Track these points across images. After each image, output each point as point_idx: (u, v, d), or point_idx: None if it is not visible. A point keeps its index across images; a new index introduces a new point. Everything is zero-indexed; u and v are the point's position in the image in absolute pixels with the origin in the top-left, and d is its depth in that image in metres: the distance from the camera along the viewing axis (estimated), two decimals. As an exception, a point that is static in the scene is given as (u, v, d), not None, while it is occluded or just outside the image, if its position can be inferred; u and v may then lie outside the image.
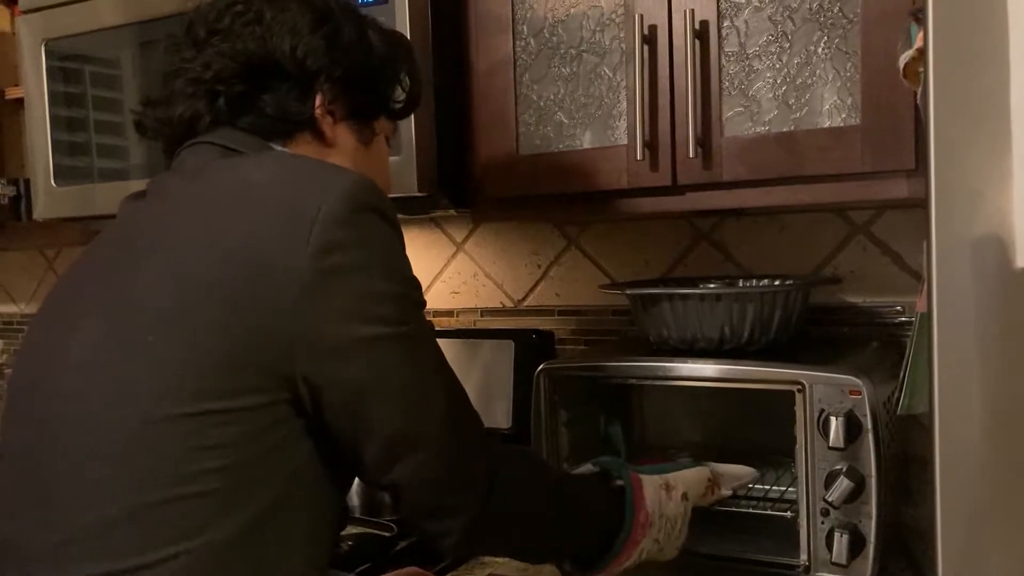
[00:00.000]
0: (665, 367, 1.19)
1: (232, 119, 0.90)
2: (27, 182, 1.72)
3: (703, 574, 1.17)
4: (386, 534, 1.31)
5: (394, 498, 0.86)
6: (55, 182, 1.56)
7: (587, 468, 1.08)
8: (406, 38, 1.05)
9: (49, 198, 1.57)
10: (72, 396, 0.79)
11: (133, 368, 0.77)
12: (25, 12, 1.56)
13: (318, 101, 0.92)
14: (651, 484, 1.03)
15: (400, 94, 1.02)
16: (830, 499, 1.06)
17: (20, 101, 1.67)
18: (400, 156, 1.24)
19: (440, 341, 1.62)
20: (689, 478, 1.07)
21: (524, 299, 1.67)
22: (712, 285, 1.28)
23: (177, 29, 1.40)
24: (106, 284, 0.84)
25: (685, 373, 1.18)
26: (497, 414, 1.59)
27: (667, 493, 1.04)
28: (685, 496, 1.05)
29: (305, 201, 0.78)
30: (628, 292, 1.29)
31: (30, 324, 0.91)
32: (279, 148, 0.91)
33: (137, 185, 1.47)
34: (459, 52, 1.31)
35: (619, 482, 1.02)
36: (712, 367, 1.16)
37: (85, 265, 0.91)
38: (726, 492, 1.12)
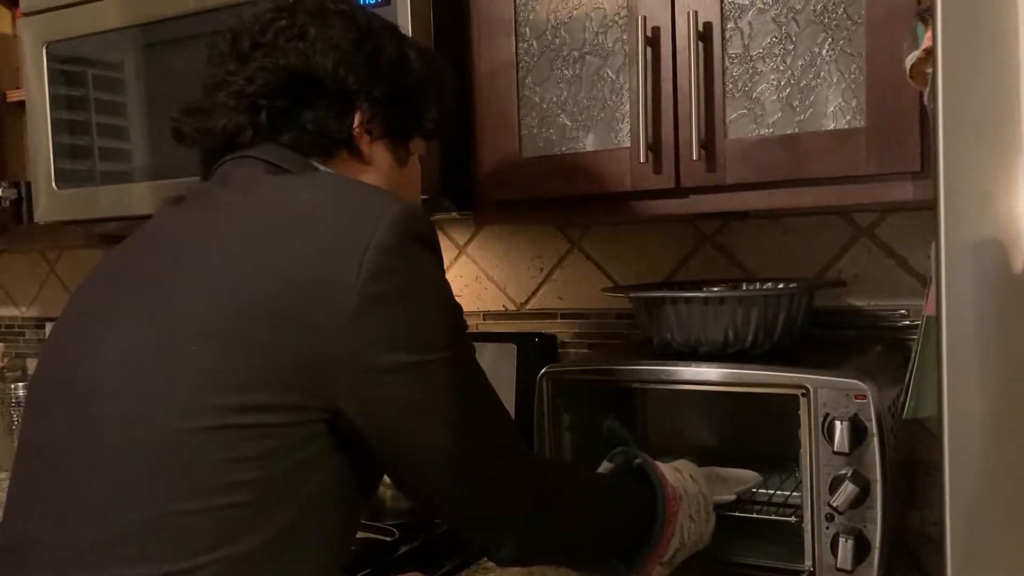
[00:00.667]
0: (668, 371, 1.18)
1: (274, 134, 0.91)
2: (28, 185, 1.72)
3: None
4: (387, 539, 1.30)
5: (442, 513, 0.89)
6: (56, 185, 1.55)
7: (605, 466, 1.12)
8: (440, 58, 1.05)
9: (50, 201, 1.56)
10: (108, 396, 0.79)
11: (173, 375, 0.77)
12: (27, 14, 1.56)
13: (357, 120, 0.93)
14: (664, 467, 1.08)
15: (434, 114, 1.02)
16: (835, 504, 1.05)
17: (22, 104, 1.67)
18: (402, 159, 1.24)
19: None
20: (690, 464, 1.12)
21: (527, 302, 1.67)
22: (716, 288, 1.27)
23: (186, 31, 1.41)
24: (146, 286, 0.84)
25: (689, 377, 1.17)
26: (499, 418, 1.58)
27: (680, 474, 1.08)
28: (693, 478, 1.09)
29: (358, 226, 0.79)
30: (631, 295, 1.29)
31: (58, 320, 0.91)
32: (319, 166, 0.92)
33: (139, 189, 1.47)
34: (461, 54, 1.30)
35: (637, 461, 1.08)
36: (716, 371, 1.15)
37: (119, 264, 0.90)
38: (728, 496, 1.13)
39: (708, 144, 1.16)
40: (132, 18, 1.46)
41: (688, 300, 1.20)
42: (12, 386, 1.98)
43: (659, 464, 1.08)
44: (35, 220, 1.60)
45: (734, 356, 1.19)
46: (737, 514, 1.21)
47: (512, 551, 0.90)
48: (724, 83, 1.15)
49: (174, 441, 0.75)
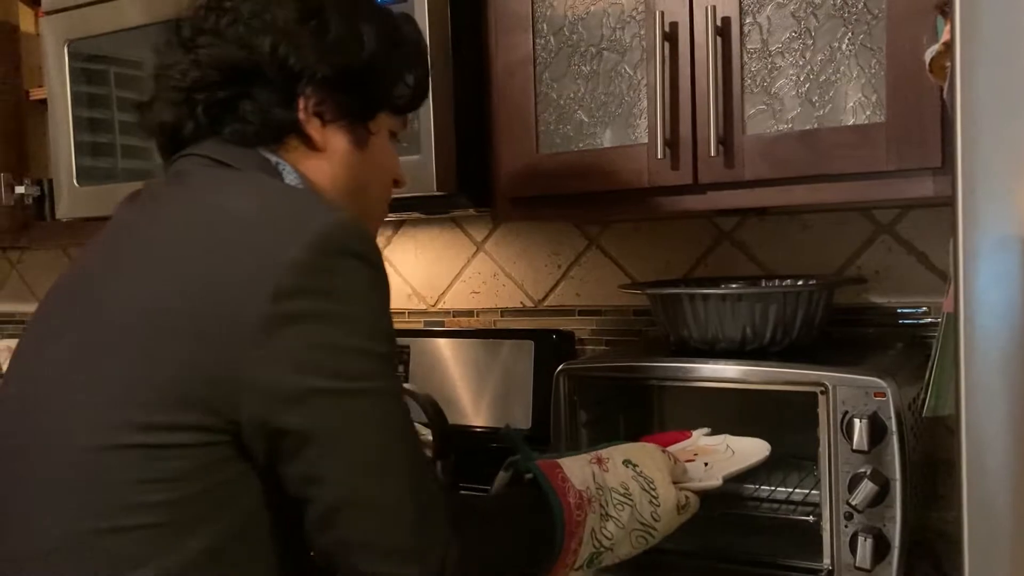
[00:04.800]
0: (686, 368, 1.18)
1: (214, 128, 0.86)
2: (51, 182, 1.74)
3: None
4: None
5: (338, 563, 0.79)
6: (77, 182, 1.57)
7: (502, 476, 1.00)
8: (412, 25, 0.97)
9: (72, 198, 1.58)
10: (32, 412, 0.78)
11: (87, 390, 0.75)
12: (48, 13, 1.57)
13: (302, 105, 0.87)
14: (575, 462, 0.96)
15: (403, 89, 0.94)
16: (854, 502, 1.04)
17: (44, 102, 1.69)
18: (420, 155, 1.24)
19: (459, 342, 1.64)
20: (628, 447, 1.01)
21: (544, 299, 1.67)
22: (734, 285, 1.27)
23: None
24: (84, 295, 0.82)
25: (706, 374, 1.17)
26: (517, 414, 1.58)
27: (601, 465, 0.97)
28: (630, 463, 0.98)
29: (278, 242, 0.74)
30: (649, 292, 1.28)
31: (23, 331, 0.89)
32: (270, 156, 0.87)
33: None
34: (479, 51, 1.30)
35: (528, 476, 0.95)
36: (733, 368, 1.15)
37: (74, 271, 0.88)
38: (712, 482, 1.02)
39: (726, 140, 1.15)
40: (152, 16, 1.46)
41: (706, 297, 1.19)
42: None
43: (566, 461, 0.96)
44: (57, 217, 1.62)
45: (752, 354, 1.19)
46: (755, 513, 1.20)
47: None
48: (742, 78, 1.15)
49: (85, 460, 0.73)
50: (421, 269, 1.77)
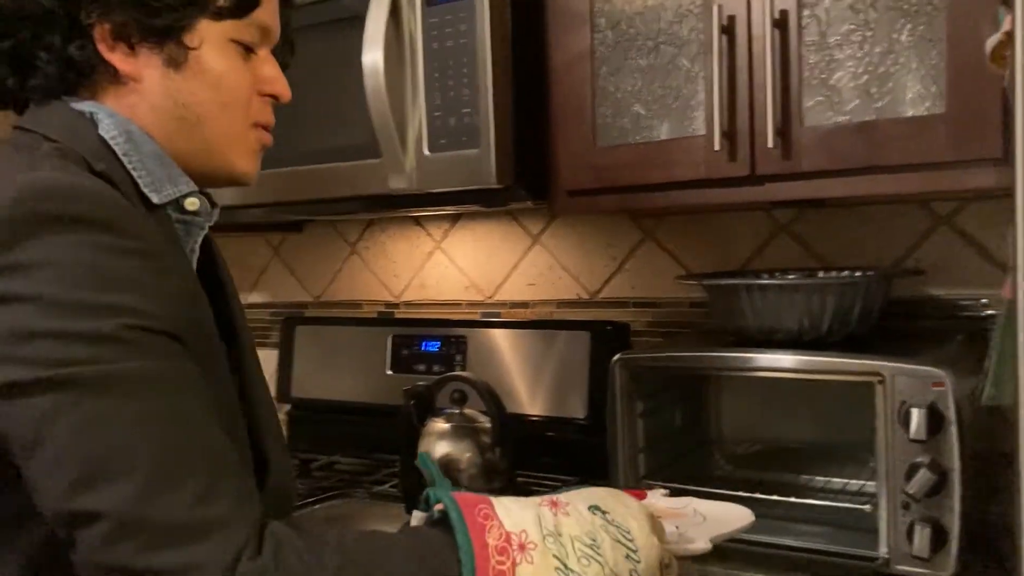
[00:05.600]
0: (743, 358, 1.19)
1: (21, 86, 0.78)
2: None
3: (782, 566, 1.16)
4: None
5: None
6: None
7: (416, 515, 0.79)
8: None
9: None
10: None
11: None
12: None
13: (97, 35, 0.76)
14: (515, 502, 0.77)
15: None
16: (911, 492, 1.05)
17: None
18: (478, 149, 1.27)
19: (515, 332, 1.66)
20: (594, 491, 0.81)
21: (600, 291, 1.68)
22: (791, 276, 1.27)
23: (306, 20, 1.44)
24: None
25: (763, 364, 1.18)
26: (573, 405, 1.61)
27: (555, 508, 0.77)
28: (597, 509, 0.78)
29: None
30: (705, 283, 1.29)
31: None
32: (82, 106, 0.77)
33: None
34: (538, 47, 1.33)
35: (438, 507, 0.75)
36: (791, 358, 1.15)
37: None
38: (701, 546, 0.82)
39: (784, 131, 1.16)
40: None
41: (763, 288, 1.20)
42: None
43: (503, 499, 0.76)
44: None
45: (809, 344, 1.19)
46: (811, 502, 1.21)
47: None
48: (800, 71, 1.15)
49: None
50: (478, 261, 1.81)
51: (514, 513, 0.74)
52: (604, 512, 0.77)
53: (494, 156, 1.27)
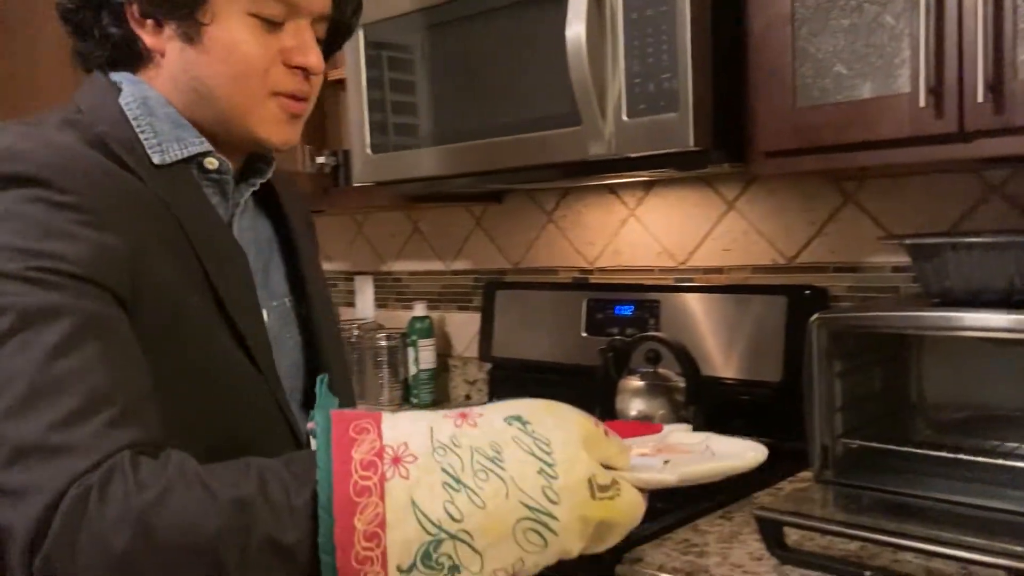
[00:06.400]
0: (949, 317, 1.16)
1: (86, 59, 0.87)
2: (346, 153, 1.98)
3: (987, 525, 1.14)
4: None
5: None
6: (371, 151, 1.77)
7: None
8: None
9: (364, 166, 1.79)
10: None
11: None
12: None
13: (128, 13, 0.83)
14: (410, 415, 0.69)
15: None
16: None
17: (339, 82, 1.92)
18: (676, 113, 1.31)
19: (709, 297, 1.69)
20: (525, 401, 0.69)
21: (797, 256, 1.68)
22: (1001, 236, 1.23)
23: (462, 12, 1.56)
24: None
25: (970, 324, 1.15)
26: (768, 368, 1.62)
27: (462, 419, 0.68)
28: (517, 419, 0.67)
29: None
30: (908, 243, 1.28)
31: None
32: (114, 76, 0.86)
33: (428, 154, 1.65)
34: (736, 11, 1.35)
35: (309, 425, 0.68)
36: (1001, 317, 1.12)
37: None
38: (666, 477, 0.69)
39: (996, 86, 1.12)
40: (421, 2, 1.63)
41: (969, 247, 1.17)
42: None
43: (399, 414, 0.68)
44: (352, 183, 1.84)
45: (1018, 304, 1.16)
46: (1014, 464, 1.17)
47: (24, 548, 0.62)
48: (1015, 22, 1.12)
49: None
50: (672, 227, 1.84)
51: (401, 426, 0.66)
52: (525, 423, 0.67)
53: (692, 119, 1.31)
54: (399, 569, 0.62)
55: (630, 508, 0.68)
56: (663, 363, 1.56)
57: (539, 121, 1.49)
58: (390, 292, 2.44)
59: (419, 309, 2.22)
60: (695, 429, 0.81)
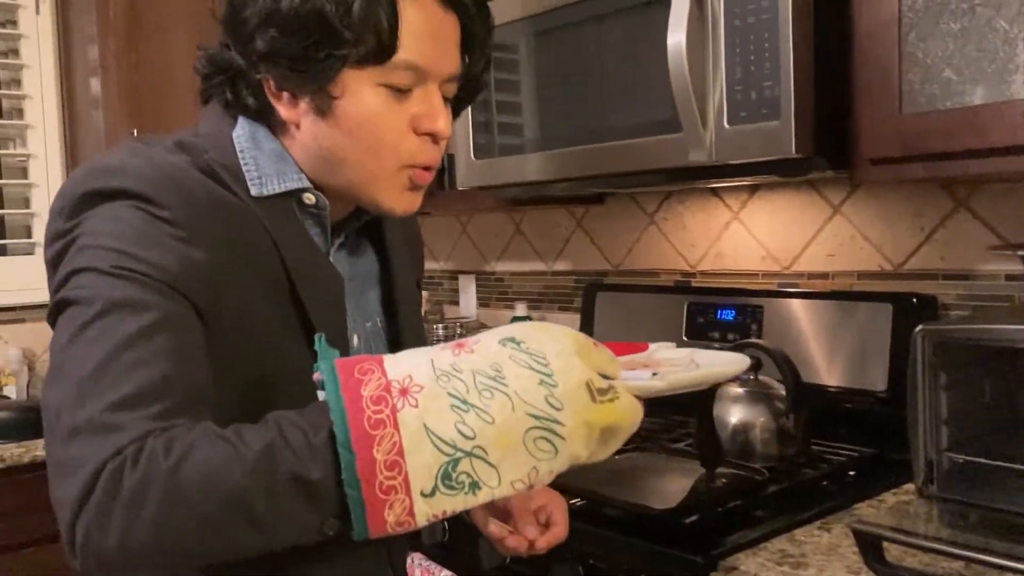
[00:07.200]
0: (1061, 332, 1.13)
1: (229, 114, 0.92)
2: (451, 157, 2.03)
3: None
4: (758, 477, 1.39)
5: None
6: (474, 156, 1.82)
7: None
8: None
9: (469, 170, 1.84)
10: None
11: None
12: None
13: (266, 88, 0.88)
14: (409, 352, 0.73)
15: (356, 30, 0.82)
16: None
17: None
18: (778, 121, 1.30)
19: (814, 303, 1.67)
20: (516, 325, 0.74)
21: (904, 263, 1.64)
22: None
23: (567, 19, 1.58)
24: None
25: (1085, 339, 1.11)
26: (872, 377, 1.59)
27: (459, 348, 0.71)
28: (511, 341, 0.71)
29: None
30: (1022, 253, 1.23)
31: None
32: (253, 125, 0.91)
33: (530, 159, 1.68)
34: (839, 16, 1.33)
35: (316, 376, 0.72)
36: (1119, 333, 1.08)
37: None
38: (656, 384, 0.73)
39: (1118, 91, 1.08)
40: (527, 9, 1.66)
41: (1088, 258, 1.13)
42: (433, 327, 2.36)
43: (400, 353, 0.73)
44: (457, 187, 1.89)
45: None
46: None
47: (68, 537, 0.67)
48: None
49: None
50: (776, 232, 1.82)
51: (402, 362, 0.70)
52: (519, 342, 0.70)
53: (793, 127, 1.29)
54: (422, 494, 0.66)
55: (630, 411, 0.71)
56: (764, 370, 1.55)
57: (641, 127, 1.51)
58: (492, 291, 2.49)
59: (520, 309, 2.26)
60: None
